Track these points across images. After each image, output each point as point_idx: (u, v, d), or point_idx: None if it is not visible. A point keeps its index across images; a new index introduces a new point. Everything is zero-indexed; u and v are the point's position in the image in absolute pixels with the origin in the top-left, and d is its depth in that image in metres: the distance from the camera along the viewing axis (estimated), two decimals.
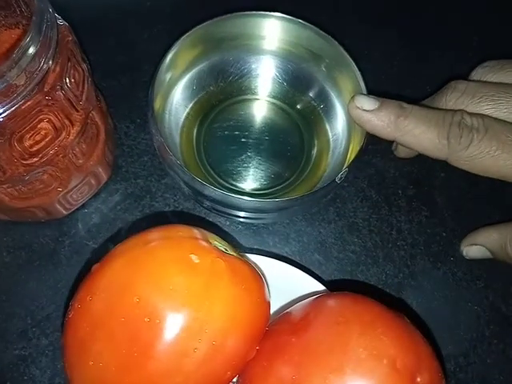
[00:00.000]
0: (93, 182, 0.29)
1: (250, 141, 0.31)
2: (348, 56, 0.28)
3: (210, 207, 0.28)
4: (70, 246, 0.29)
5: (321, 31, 0.29)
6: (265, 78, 0.32)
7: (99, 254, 0.29)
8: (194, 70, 0.31)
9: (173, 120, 0.30)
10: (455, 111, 0.24)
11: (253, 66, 0.32)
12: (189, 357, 0.16)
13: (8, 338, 0.27)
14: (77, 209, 0.29)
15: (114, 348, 0.16)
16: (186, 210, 0.30)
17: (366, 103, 0.25)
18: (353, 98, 0.26)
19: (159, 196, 0.31)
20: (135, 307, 0.16)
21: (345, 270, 0.30)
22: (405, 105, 0.25)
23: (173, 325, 0.16)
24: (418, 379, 0.17)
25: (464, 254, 0.30)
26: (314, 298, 0.20)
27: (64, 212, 0.29)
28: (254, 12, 0.29)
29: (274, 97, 0.32)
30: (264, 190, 0.30)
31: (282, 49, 0.31)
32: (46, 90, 0.21)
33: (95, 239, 0.29)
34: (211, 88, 0.32)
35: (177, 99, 0.31)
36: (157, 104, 0.28)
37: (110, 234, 0.29)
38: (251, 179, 0.30)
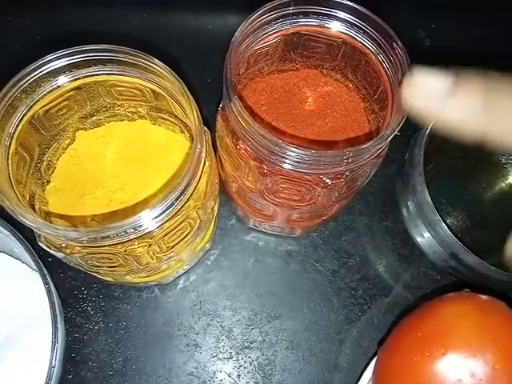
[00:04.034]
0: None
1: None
2: None
3: (453, 272, 0.32)
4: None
5: None
6: None
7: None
8: None
9: None
10: None
11: None
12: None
13: None
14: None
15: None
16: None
17: (434, 80, 0.16)
18: (406, 79, 0.16)
19: (379, 236, 0.34)
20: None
21: None
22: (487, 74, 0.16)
23: None
24: None
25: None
26: None
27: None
28: None
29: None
30: None
31: None
32: None
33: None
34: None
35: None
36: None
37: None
38: None
